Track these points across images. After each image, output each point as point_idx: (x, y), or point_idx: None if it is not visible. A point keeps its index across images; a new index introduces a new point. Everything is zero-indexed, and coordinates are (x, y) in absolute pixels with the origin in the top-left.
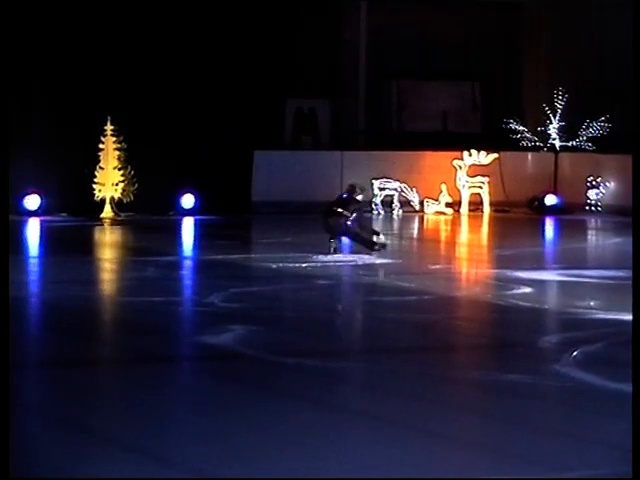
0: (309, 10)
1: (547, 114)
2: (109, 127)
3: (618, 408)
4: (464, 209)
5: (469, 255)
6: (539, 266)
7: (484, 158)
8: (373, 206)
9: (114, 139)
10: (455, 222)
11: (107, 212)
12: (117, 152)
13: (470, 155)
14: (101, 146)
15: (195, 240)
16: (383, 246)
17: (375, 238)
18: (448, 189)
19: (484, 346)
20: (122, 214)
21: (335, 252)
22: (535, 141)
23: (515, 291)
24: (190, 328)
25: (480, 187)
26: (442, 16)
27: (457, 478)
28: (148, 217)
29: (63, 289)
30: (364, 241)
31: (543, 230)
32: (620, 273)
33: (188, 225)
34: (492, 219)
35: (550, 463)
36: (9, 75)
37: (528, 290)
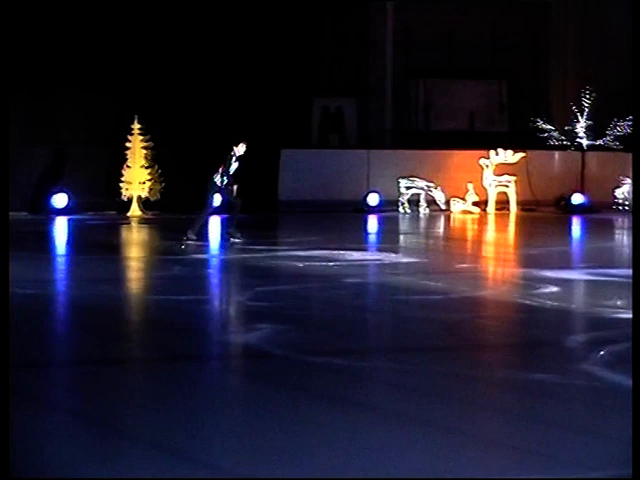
0: (336, 10)
1: (574, 113)
2: (136, 126)
3: None
4: (491, 208)
5: (496, 254)
6: (566, 265)
7: (511, 157)
8: (399, 205)
9: (141, 138)
10: (482, 221)
11: (134, 210)
12: (144, 151)
13: (497, 154)
14: (128, 145)
15: (222, 239)
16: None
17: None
18: (475, 188)
19: (511, 345)
20: (149, 212)
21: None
22: (562, 140)
23: (542, 290)
24: (218, 327)
25: (507, 186)
26: (469, 15)
27: (484, 477)
28: (175, 216)
29: (90, 287)
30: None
31: (570, 229)
32: None
33: (215, 224)
34: (519, 218)
35: (578, 462)
36: (37, 75)
37: (555, 289)
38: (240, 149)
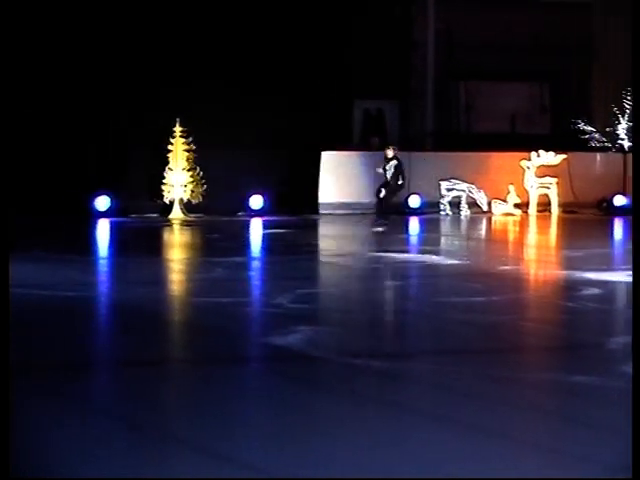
0: (377, 11)
1: (616, 114)
2: (178, 129)
3: None
4: (532, 210)
5: (537, 256)
6: (608, 267)
7: (552, 159)
8: (441, 207)
9: (183, 140)
10: (523, 223)
11: (176, 213)
12: (186, 153)
13: (538, 156)
14: (170, 147)
15: (263, 241)
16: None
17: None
18: (516, 190)
19: (552, 347)
20: (191, 215)
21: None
22: (604, 141)
23: (584, 292)
24: (258, 329)
25: (548, 188)
26: (510, 16)
27: (521, 478)
28: (217, 218)
29: (132, 289)
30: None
31: (612, 231)
32: None
33: (256, 226)
34: (560, 220)
35: (615, 464)
36: (89, 78)
37: (597, 291)
38: (388, 153)
